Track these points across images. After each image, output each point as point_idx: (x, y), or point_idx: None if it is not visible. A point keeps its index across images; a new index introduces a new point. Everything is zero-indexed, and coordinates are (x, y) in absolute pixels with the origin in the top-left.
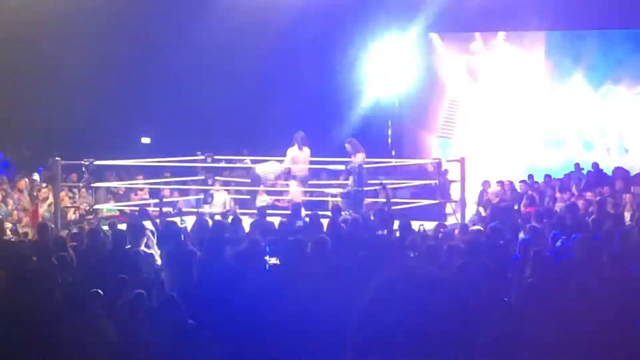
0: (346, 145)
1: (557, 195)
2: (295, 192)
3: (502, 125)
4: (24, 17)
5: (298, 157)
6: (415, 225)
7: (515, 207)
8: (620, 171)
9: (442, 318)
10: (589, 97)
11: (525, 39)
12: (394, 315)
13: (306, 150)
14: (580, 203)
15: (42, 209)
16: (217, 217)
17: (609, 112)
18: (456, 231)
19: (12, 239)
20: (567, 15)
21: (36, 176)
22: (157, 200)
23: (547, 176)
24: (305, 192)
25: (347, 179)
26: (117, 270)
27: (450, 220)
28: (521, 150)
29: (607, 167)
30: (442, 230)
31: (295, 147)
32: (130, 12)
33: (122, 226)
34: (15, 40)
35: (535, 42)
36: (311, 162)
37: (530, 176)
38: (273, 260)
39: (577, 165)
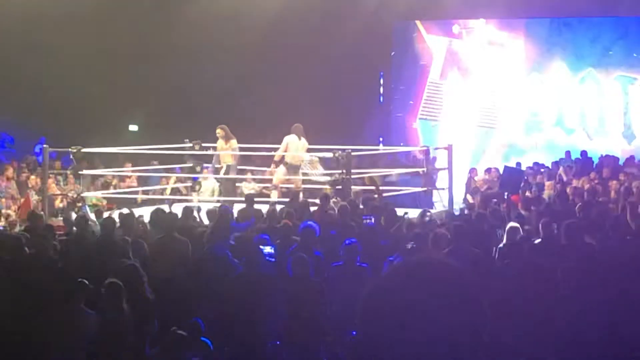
0: (219, 130)
1: (545, 182)
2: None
3: (483, 109)
4: (13, 5)
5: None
6: (399, 213)
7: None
8: (607, 158)
9: (454, 309)
10: (568, 81)
11: (505, 23)
12: (401, 307)
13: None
14: (568, 190)
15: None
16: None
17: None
18: (443, 217)
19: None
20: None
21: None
22: (145, 188)
23: (535, 164)
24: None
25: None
26: (105, 257)
27: (438, 208)
28: (501, 135)
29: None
30: (427, 215)
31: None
32: (119, 1)
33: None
34: (1, 29)
35: (515, 26)
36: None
37: (518, 164)
38: (268, 249)
39: (567, 152)
